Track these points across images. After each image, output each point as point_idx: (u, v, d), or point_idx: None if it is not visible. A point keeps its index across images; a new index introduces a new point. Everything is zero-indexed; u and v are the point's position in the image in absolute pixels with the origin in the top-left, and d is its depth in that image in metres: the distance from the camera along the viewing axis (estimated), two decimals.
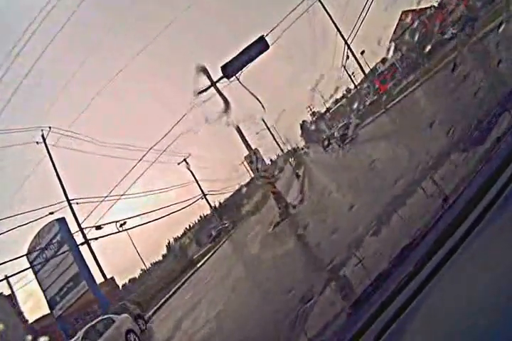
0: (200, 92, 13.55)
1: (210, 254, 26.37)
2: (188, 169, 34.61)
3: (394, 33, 29.32)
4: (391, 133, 12.67)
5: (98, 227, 20.30)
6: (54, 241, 18.55)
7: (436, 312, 0.82)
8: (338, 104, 48.76)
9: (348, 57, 27.86)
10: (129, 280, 34.91)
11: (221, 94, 13.43)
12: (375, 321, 0.92)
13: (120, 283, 33.71)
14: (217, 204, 45.36)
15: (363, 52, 33.73)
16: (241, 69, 13.81)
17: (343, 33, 26.69)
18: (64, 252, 18.20)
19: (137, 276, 35.35)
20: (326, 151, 33.77)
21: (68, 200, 20.09)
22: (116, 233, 22.18)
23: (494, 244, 0.83)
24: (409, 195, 1.68)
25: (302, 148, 62.96)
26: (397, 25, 29.58)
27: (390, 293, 0.95)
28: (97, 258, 19.35)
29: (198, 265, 24.37)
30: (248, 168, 14.34)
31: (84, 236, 19.36)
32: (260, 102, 27.44)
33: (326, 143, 35.28)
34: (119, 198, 23.90)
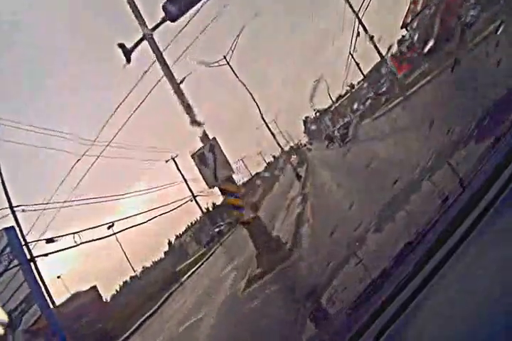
0: (131, 50, 8.28)
1: (196, 267, 25.48)
2: (177, 168, 33.08)
3: (404, 19, 28.58)
4: (391, 133, 12.71)
5: (49, 240, 17.06)
6: (5, 253, 15.34)
7: (437, 312, 0.82)
8: (341, 100, 48.40)
9: (358, 34, 26.31)
10: (130, 278, 35.29)
11: (158, 52, 8.32)
12: (375, 321, 0.93)
13: (122, 281, 34.00)
14: (214, 205, 44.64)
15: (372, 38, 32.70)
16: (191, 8, 8.49)
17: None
18: (15, 266, 15.05)
19: (138, 275, 35.46)
20: (329, 148, 33.90)
21: (11, 207, 16.53)
22: (105, 237, 21.36)
23: (494, 244, 0.84)
24: (409, 195, 1.69)
25: (305, 145, 62.81)
26: (408, 11, 28.90)
27: (390, 293, 0.95)
28: (44, 279, 16.11)
29: (183, 278, 23.46)
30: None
31: (29, 252, 16.08)
32: (248, 90, 25.82)
33: (328, 140, 35.45)
34: (66, 204, 19.57)
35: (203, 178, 7.98)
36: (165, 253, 46.59)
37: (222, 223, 36.82)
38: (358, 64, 34.04)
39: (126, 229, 22.78)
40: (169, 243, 48.87)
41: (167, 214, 28.25)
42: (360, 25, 24.66)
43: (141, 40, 8.29)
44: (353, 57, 31.74)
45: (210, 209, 43.27)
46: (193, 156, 8.05)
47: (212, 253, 28.81)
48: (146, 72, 10.70)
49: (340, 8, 24.28)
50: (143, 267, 38.67)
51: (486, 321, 0.69)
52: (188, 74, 23.05)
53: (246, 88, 25.81)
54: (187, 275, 24.40)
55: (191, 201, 33.07)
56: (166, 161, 32.90)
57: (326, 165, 21.48)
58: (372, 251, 1.48)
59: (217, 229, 36.07)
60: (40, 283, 15.45)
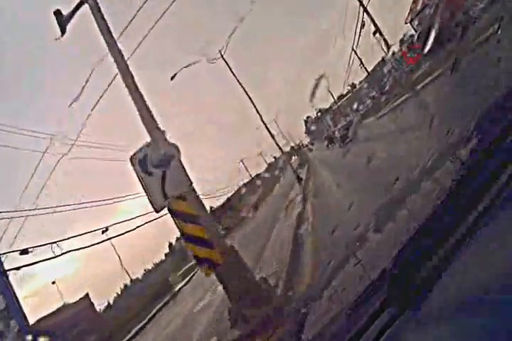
0: (68, 18, 6.43)
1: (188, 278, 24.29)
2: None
3: (408, 15, 28.31)
4: (394, 132, 12.69)
5: (24, 252, 15.45)
6: None
7: (437, 312, 0.83)
8: (343, 100, 48.20)
9: (363, 24, 25.49)
10: (131, 281, 35.18)
11: (102, 22, 6.12)
12: (375, 321, 0.93)
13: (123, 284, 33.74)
14: (211, 209, 43.87)
15: (375, 33, 32.10)
16: None
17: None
18: None
19: (140, 277, 35.35)
20: (329, 149, 33.93)
21: None
22: (98, 243, 20.78)
23: (495, 244, 0.84)
24: (410, 195, 1.69)
25: (306, 145, 62.61)
26: (411, 10, 28.61)
27: (389, 294, 0.96)
28: (16, 293, 14.73)
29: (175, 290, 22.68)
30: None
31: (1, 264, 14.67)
32: (244, 89, 23.84)
33: (328, 141, 35.56)
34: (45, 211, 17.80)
35: (146, 194, 5.17)
36: (166, 255, 46.53)
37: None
38: (360, 59, 33.41)
39: (120, 235, 22.23)
40: (170, 245, 48.66)
41: (168, 216, 27.49)
42: (364, 14, 23.93)
43: (81, 3, 6.41)
44: (356, 53, 31.08)
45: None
46: (131, 159, 5.19)
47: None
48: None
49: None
50: (144, 270, 38.56)
51: (487, 320, 0.70)
52: (180, 69, 21.53)
53: (241, 86, 24.40)
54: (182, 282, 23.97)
55: None
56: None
57: (327, 166, 21.36)
58: (372, 251, 1.49)
59: None
60: (13, 295, 14.47)
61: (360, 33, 26.25)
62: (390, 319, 0.91)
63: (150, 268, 39.23)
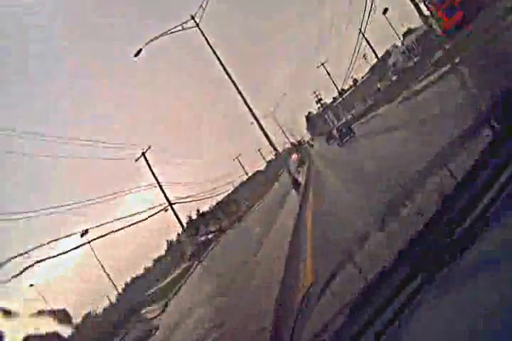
0: None
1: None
2: (150, 169, 29.07)
3: None
4: (399, 125, 12.69)
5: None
6: None
7: (437, 312, 0.85)
8: (346, 94, 48.05)
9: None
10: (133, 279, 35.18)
11: None
12: (375, 321, 0.95)
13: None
14: (198, 212, 43.04)
15: (385, 11, 31.49)
16: None
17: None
18: None
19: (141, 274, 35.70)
20: (330, 145, 34.07)
21: None
22: (80, 246, 20.13)
23: (495, 244, 0.86)
24: (413, 192, 1.71)
25: (308, 142, 62.70)
26: None
27: (389, 293, 0.98)
28: None
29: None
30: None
31: None
32: (221, 62, 20.03)
33: (328, 138, 35.89)
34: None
35: None
36: (166, 251, 46.87)
37: (211, 230, 35.18)
38: (368, 42, 32.85)
39: (101, 237, 21.57)
40: (168, 242, 48.77)
41: (165, 214, 26.82)
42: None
43: None
44: (363, 35, 30.29)
45: (194, 216, 41.70)
46: None
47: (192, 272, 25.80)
48: None
49: None
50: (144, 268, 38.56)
51: (486, 320, 0.71)
52: (146, 44, 20.16)
53: (228, 75, 20.72)
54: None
55: (166, 211, 29.08)
56: (136, 160, 29.27)
57: (330, 163, 21.20)
58: (373, 250, 1.51)
59: (202, 238, 34.33)
60: None
61: (370, 12, 25.13)
62: (390, 318, 0.93)
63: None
